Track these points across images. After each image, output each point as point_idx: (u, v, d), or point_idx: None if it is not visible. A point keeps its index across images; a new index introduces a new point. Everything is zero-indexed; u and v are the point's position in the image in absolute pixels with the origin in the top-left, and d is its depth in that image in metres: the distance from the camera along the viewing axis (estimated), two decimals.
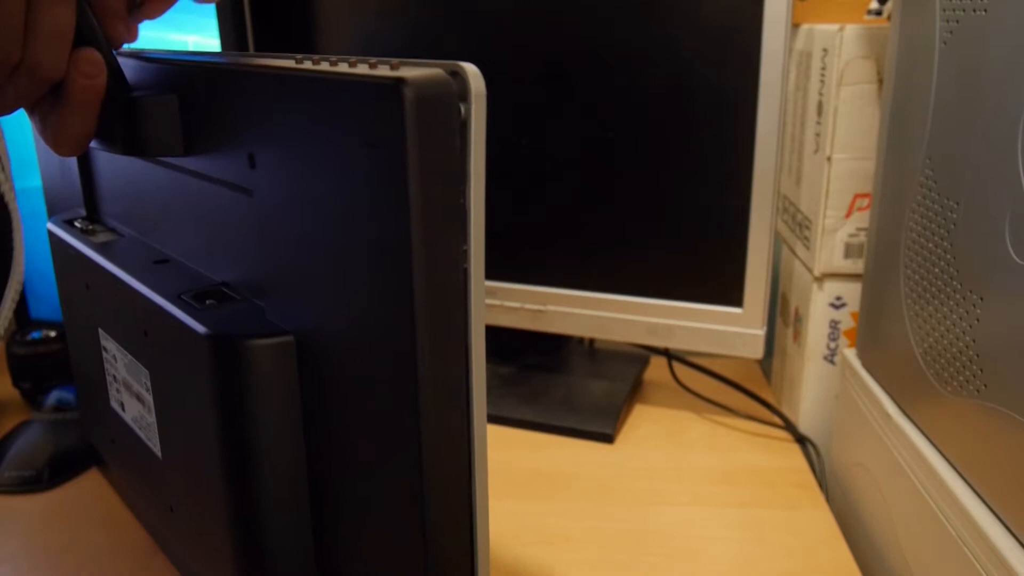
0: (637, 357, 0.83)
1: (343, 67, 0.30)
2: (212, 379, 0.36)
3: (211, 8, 0.80)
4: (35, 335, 0.74)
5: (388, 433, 0.31)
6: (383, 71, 0.28)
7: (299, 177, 0.32)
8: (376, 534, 0.34)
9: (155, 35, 0.78)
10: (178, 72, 0.38)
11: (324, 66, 0.31)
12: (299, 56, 0.34)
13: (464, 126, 0.29)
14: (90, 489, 0.62)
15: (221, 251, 0.40)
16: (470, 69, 0.28)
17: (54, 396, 0.70)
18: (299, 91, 0.31)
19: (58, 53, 0.35)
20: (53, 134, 0.37)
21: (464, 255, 0.30)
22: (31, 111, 0.38)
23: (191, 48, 0.82)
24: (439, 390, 0.30)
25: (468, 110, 0.29)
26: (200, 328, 0.36)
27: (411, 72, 0.27)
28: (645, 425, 0.74)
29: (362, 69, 0.29)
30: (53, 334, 0.75)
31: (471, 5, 0.69)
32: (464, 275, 0.30)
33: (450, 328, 0.30)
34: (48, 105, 0.37)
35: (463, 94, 0.29)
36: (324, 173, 0.31)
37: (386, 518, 0.33)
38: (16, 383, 0.75)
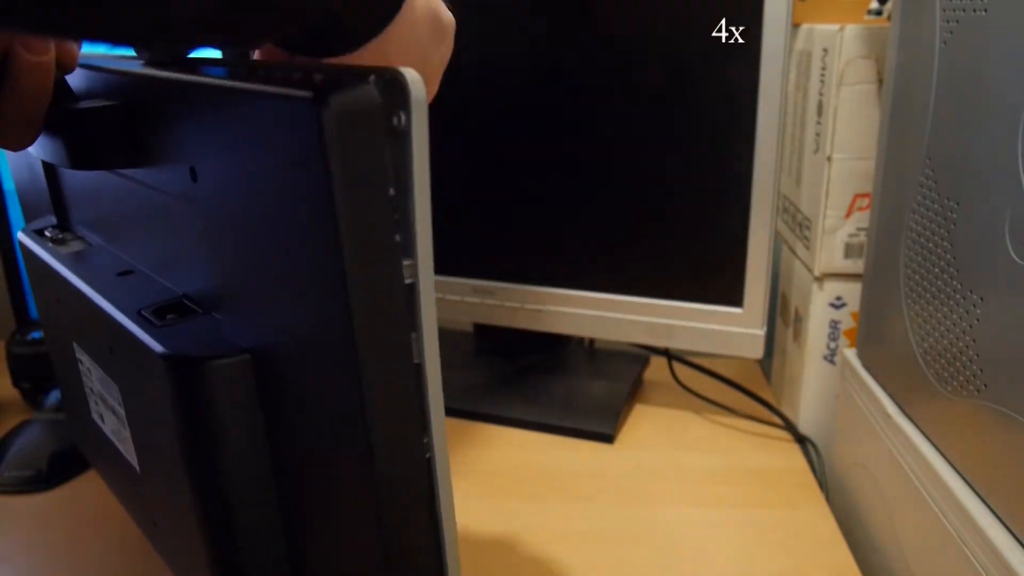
0: (637, 357, 0.82)
1: (277, 77, 0.28)
2: (171, 398, 0.35)
3: None
4: (35, 335, 0.74)
5: (343, 448, 0.31)
6: (310, 81, 0.26)
7: (235, 192, 0.31)
8: (343, 545, 0.33)
9: None
10: (123, 83, 0.37)
11: (254, 78, 0.29)
12: (252, 63, 0.33)
13: (404, 136, 0.27)
14: (90, 489, 0.62)
15: (180, 262, 0.39)
16: (410, 75, 0.27)
17: (54, 396, 0.70)
18: (225, 105, 0.30)
19: None
20: None
21: (410, 269, 0.28)
22: None
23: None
24: (387, 404, 0.29)
25: (408, 119, 0.27)
26: (157, 347, 0.35)
27: (336, 84, 0.25)
28: (645, 425, 0.74)
29: (296, 78, 0.27)
30: None
31: (471, 3, 0.68)
32: (410, 289, 0.29)
33: (394, 343, 0.29)
34: None
35: (403, 102, 0.27)
36: (256, 189, 0.30)
37: (351, 530, 0.32)
38: (16, 383, 0.75)
